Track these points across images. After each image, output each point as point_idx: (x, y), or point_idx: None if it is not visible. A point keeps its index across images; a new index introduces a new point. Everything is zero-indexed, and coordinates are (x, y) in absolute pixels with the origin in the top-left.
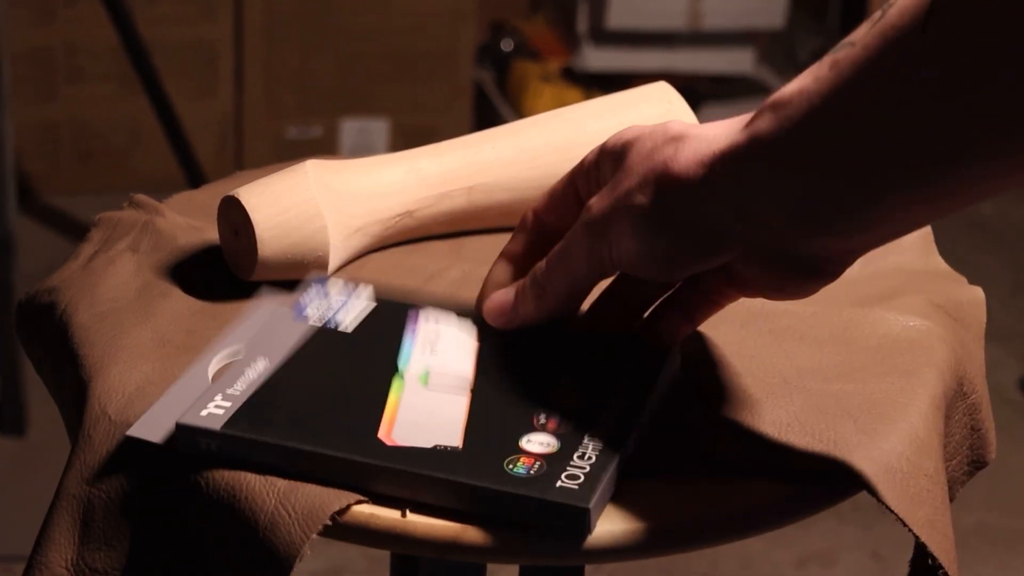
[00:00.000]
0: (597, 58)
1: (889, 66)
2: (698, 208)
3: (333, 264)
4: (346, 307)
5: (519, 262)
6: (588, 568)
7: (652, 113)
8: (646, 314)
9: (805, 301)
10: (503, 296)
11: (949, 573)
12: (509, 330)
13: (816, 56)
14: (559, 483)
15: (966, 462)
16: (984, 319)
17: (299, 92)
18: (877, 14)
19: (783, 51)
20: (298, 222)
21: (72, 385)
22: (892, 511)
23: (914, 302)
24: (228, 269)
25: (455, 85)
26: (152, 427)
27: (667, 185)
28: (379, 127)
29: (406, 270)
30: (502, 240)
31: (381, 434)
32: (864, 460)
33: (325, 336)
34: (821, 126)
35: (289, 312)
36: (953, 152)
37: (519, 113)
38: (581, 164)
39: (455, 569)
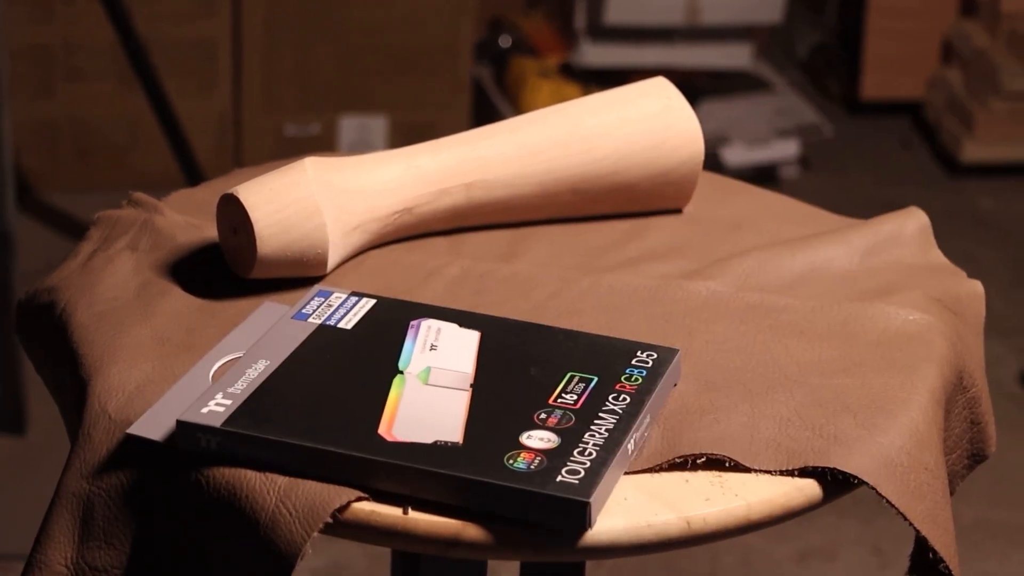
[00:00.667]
0: (595, 54)
1: None
2: None
3: (332, 261)
4: (346, 306)
5: None
6: (588, 565)
7: (650, 109)
8: None
9: (805, 296)
10: None
11: (950, 566)
12: (509, 329)
13: (814, 51)
14: (559, 477)
15: (966, 456)
16: (983, 313)
17: (298, 89)
18: None
19: (781, 46)
20: (297, 219)
21: (72, 384)
22: (892, 505)
23: (913, 296)
24: (227, 267)
25: (454, 82)
26: (152, 425)
27: None
28: (378, 124)
29: (405, 267)
30: (501, 236)
31: (382, 430)
32: (864, 454)
33: (325, 334)
34: None
35: (290, 316)
36: None
37: (517, 109)
38: None
39: (456, 567)
